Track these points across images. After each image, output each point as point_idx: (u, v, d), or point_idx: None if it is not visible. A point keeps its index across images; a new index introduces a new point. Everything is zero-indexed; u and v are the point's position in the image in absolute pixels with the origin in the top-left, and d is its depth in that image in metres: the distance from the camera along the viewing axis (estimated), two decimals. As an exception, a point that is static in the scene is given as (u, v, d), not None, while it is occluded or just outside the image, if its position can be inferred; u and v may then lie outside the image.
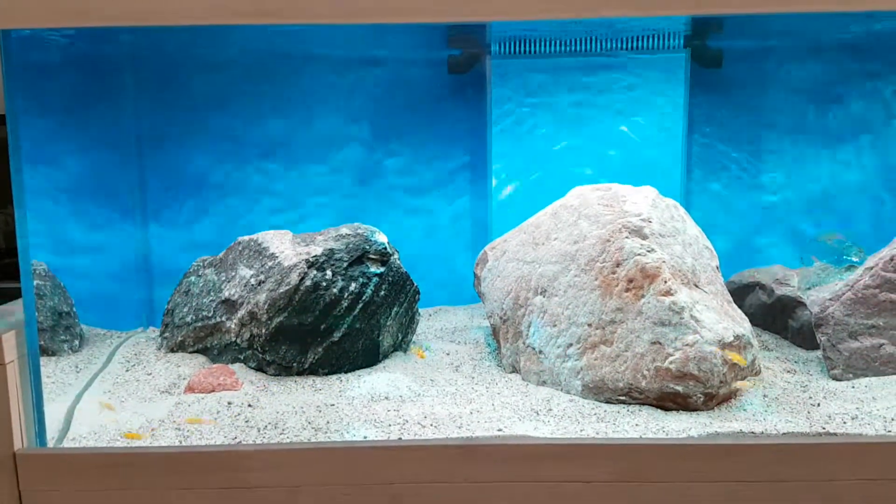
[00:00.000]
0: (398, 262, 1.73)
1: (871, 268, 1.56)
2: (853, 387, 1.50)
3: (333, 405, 1.46)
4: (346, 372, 1.64)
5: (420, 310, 2.07)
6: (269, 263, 1.64)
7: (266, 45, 2.04)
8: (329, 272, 1.62)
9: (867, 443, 1.27)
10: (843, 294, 1.58)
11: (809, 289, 1.68)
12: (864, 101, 2.10)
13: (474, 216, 2.18)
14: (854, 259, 1.70)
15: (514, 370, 1.65)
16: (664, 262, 1.47)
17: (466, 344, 1.85)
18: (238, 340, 1.64)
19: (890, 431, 1.30)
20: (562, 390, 1.52)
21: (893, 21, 1.79)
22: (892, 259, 1.54)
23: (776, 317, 1.86)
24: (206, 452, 1.28)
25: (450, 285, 2.18)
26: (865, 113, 2.10)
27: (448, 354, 1.77)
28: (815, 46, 2.08)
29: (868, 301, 1.55)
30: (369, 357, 1.68)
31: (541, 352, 1.57)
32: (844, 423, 1.34)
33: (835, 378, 1.56)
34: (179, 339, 1.75)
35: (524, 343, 1.62)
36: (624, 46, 1.98)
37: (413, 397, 1.50)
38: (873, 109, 2.10)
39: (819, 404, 1.43)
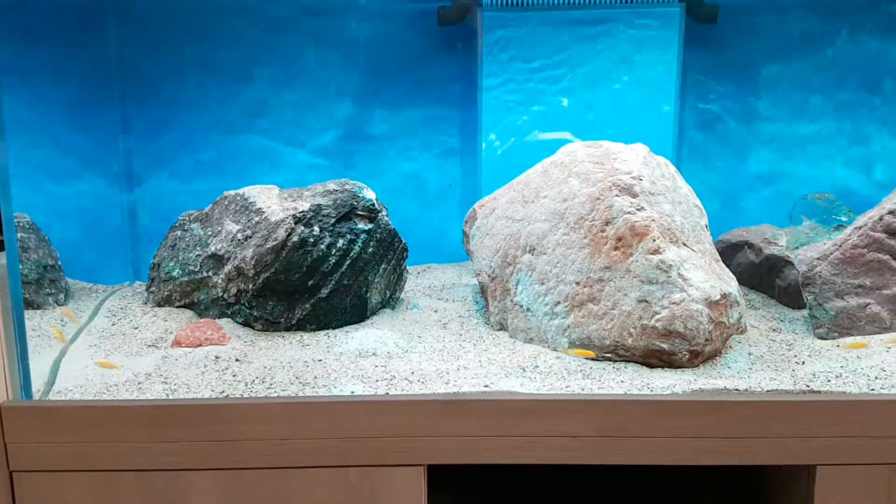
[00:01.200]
0: (386, 218, 1.72)
1: (860, 227, 1.56)
2: (838, 345, 1.51)
3: (321, 360, 1.46)
4: (334, 328, 1.64)
5: (409, 267, 2.06)
6: (256, 219, 1.63)
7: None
8: (316, 228, 1.61)
9: (850, 401, 1.28)
10: (831, 253, 1.58)
11: (797, 248, 1.69)
12: (863, 57, 2.07)
13: (465, 173, 2.16)
14: (843, 219, 1.70)
15: (502, 328, 1.65)
16: (653, 220, 1.46)
17: (455, 301, 1.85)
18: (225, 295, 1.63)
19: (873, 390, 1.31)
20: (549, 347, 1.52)
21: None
22: (880, 219, 1.54)
23: (764, 276, 1.86)
24: (192, 406, 1.29)
25: (439, 243, 2.17)
26: (864, 69, 2.08)
27: (436, 311, 1.76)
28: (811, 4, 2.05)
29: (855, 261, 1.55)
30: (357, 313, 1.68)
31: (528, 309, 1.57)
32: (828, 381, 1.35)
33: (820, 337, 1.56)
34: (166, 293, 1.74)
35: (512, 301, 1.62)
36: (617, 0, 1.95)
37: (401, 353, 1.50)
38: (872, 65, 2.08)
39: (804, 362, 1.44)
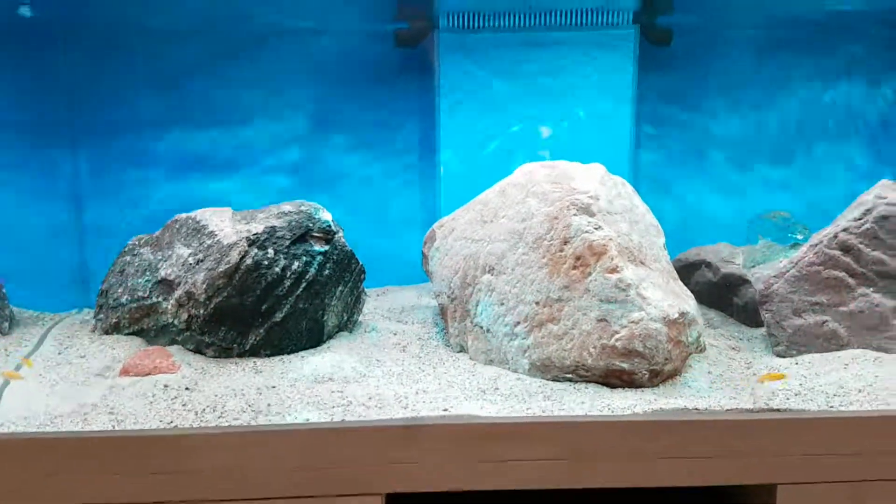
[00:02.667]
0: (343, 239, 1.69)
1: (816, 245, 1.58)
2: (797, 363, 1.51)
3: (275, 387, 1.42)
4: (288, 353, 1.60)
5: (368, 290, 2.04)
6: (208, 242, 1.59)
7: (208, 12, 1.97)
8: (271, 250, 1.57)
9: (810, 418, 1.28)
10: (788, 271, 1.59)
11: (754, 266, 1.70)
12: (814, 79, 2.12)
13: (423, 193, 2.15)
14: (798, 237, 1.71)
15: (462, 350, 1.63)
16: (611, 239, 1.46)
17: (414, 324, 1.82)
18: (175, 322, 1.59)
19: (832, 407, 1.32)
20: (509, 369, 1.50)
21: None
22: (835, 236, 1.55)
23: (722, 294, 1.87)
24: (139, 437, 1.24)
25: (399, 264, 2.15)
26: (815, 91, 2.12)
27: (395, 334, 1.74)
28: (765, 24, 2.09)
29: (812, 278, 1.56)
30: (313, 338, 1.64)
31: (488, 330, 1.56)
32: (788, 399, 1.35)
33: (779, 355, 1.57)
34: (114, 320, 1.68)
35: (472, 322, 1.60)
36: (572, 22, 1.96)
37: (358, 378, 1.47)
38: (823, 87, 2.12)
39: (763, 381, 1.44)
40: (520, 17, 1.95)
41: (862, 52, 2.10)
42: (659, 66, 2.09)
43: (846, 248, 1.54)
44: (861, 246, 1.53)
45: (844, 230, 1.55)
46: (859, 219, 1.55)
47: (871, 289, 1.53)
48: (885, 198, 1.54)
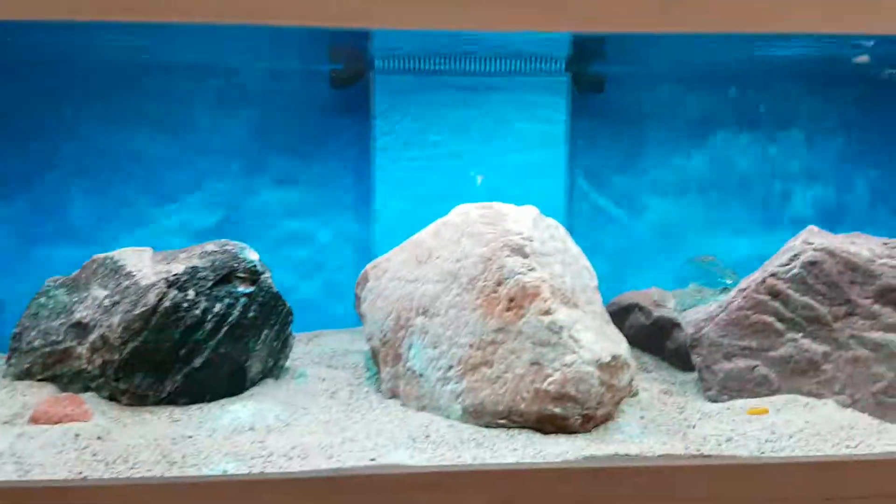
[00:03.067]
0: (269, 280, 1.64)
1: (744, 289, 1.59)
2: (728, 408, 1.51)
3: (191, 437, 1.35)
4: (208, 401, 1.53)
5: (298, 334, 1.98)
6: (126, 283, 1.52)
7: (138, 50, 1.93)
8: (191, 292, 1.51)
9: (741, 464, 1.27)
10: (717, 315, 1.60)
11: (685, 310, 1.70)
12: (743, 128, 2.17)
13: (358, 235, 2.12)
14: (728, 281, 1.74)
15: (394, 395, 1.59)
16: (544, 281, 1.45)
17: (345, 369, 1.78)
18: (89, 367, 1.51)
19: (763, 453, 1.31)
20: (442, 415, 1.46)
21: (771, 47, 1.85)
22: (763, 281, 1.57)
23: (655, 338, 1.87)
24: (45, 488, 1.17)
25: (332, 307, 2.11)
26: (744, 139, 2.18)
27: (324, 380, 1.68)
28: (696, 73, 2.15)
29: (741, 322, 1.57)
30: (235, 384, 1.58)
31: (421, 375, 1.52)
32: (719, 444, 1.34)
33: (710, 399, 1.57)
34: (26, 365, 1.59)
35: (404, 366, 1.56)
36: (507, 68, 1.98)
37: (281, 427, 1.41)
38: (752, 136, 2.18)
39: (695, 426, 1.43)
40: (455, 62, 1.97)
41: (790, 98, 2.17)
42: (592, 113, 2.13)
43: (774, 293, 1.56)
44: (789, 291, 1.55)
45: (772, 275, 1.57)
46: (787, 264, 1.57)
47: (800, 334, 1.54)
48: (812, 243, 1.57)
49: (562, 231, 1.67)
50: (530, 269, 1.46)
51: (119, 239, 1.99)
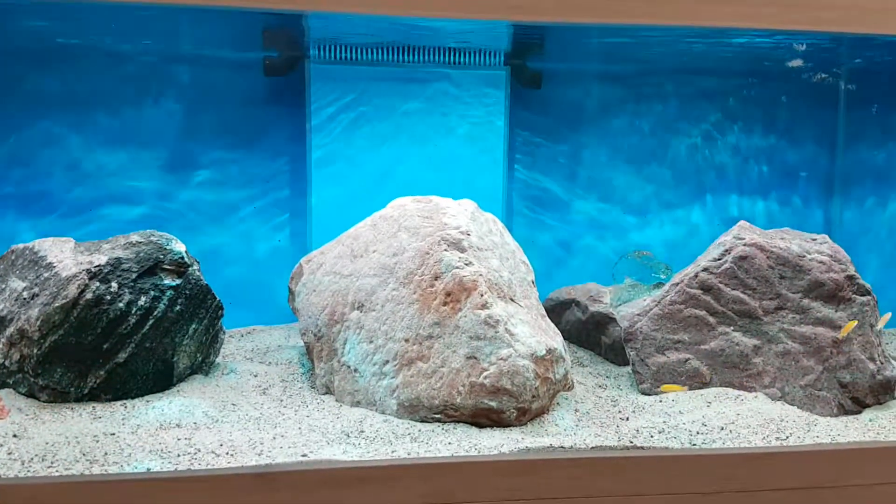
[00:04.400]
0: (198, 273, 1.59)
1: (677, 284, 1.61)
2: (661, 401, 1.53)
3: (114, 434, 1.30)
4: (133, 397, 1.48)
5: (232, 330, 1.93)
6: (46, 274, 1.45)
7: (61, 32, 1.85)
8: (115, 284, 1.45)
9: (672, 455, 1.28)
10: (651, 310, 1.61)
11: (620, 305, 1.71)
12: (680, 119, 2.21)
13: (293, 228, 2.07)
14: (661, 276, 1.75)
15: (328, 391, 1.56)
16: (481, 275, 1.44)
17: (279, 365, 1.73)
18: (6, 362, 1.44)
19: (694, 444, 1.32)
20: (377, 411, 1.44)
21: (715, 42, 1.88)
22: (696, 276, 1.59)
23: (591, 333, 1.88)
24: (-47, 490, 1.11)
25: (266, 303, 2.06)
26: (682, 131, 2.21)
27: (256, 376, 1.64)
28: (634, 70, 2.17)
29: (674, 316, 1.59)
30: (162, 380, 1.52)
31: (356, 370, 1.49)
32: (651, 436, 1.35)
33: (644, 392, 1.58)
34: (-63, 361, 1.51)
35: (339, 361, 1.54)
36: (446, 59, 1.97)
37: (210, 424, 1.37)
38: (689, 130, 2.22)
39: (628, 418, 1.44)
40: (393, 52, 1.95)
41: (721, 92, 2.22)
42: (530, 106, 2.13)
43: (706, 288, 1.58)
44: (721, 285, 1.57)
45: (705, 270, 1.59)
46: (719, 259, 1.59)
47: (731, 327, 1.57)
48: (743, 238, 1.60)
49: (499, 225, 1.66)
50: (467, 264, 1.45)
51: (36, 229, 1.92)
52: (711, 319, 1.58)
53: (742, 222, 1.67)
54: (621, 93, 2.18)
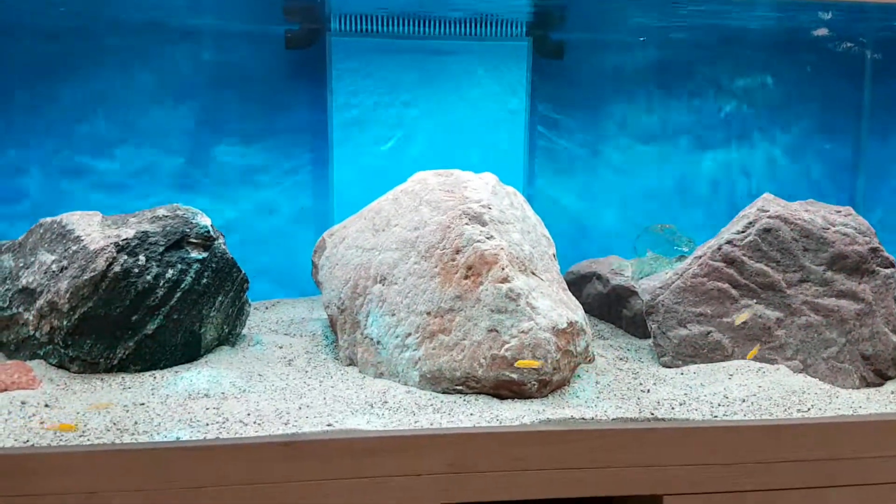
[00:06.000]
0: (223, 246, 1.61)
1: (700, 257, 1.60)
2: (682, 373, 1.53)
3: (143, 404, 1.33)
4: (161, 368, 1.50)
5: (256, 302, 1.96)
6: (74, 248, 1.48)
7: (86, 10, 1.86)
8: (142, 257, 1.47)
9: (694, 427, 1.29)
10: (673, 283, 1.61)
11: (642, 278, 1.71)
12: (703, 96, 2.18)
13: (316, 202, 2.08)
14: (684, 249, 1.75)
15: (352, 363, 1.58)
16: (503, 248, 1.44)
17: (303, 336, 1.76)
18: (37, 334, 1.47)
19: (716, 416, 1.33)
20: (400, 382, 1.46)
21: (742, 15, 1.85)
22: (719, 248, 1.59)
23: (612, 306, 1.89)
24: (-9, 457, 1.14)
25: (290, 276, 2.08)
26: (704, 107, 2.19)
27: (281, 348, 1.66)
28: (655, 40, 2.14)
29: (696, 289, 1.59)
30: (190, 351, 1.55)
31: (379, 342, 1.51)
32: (672, 408, 1.35)
33: (665, 365, 1.58)
34: (-30, 333, 1.55)
35: (362, 334, 1.55)
36: (467, 31, 1.96)
37: (237, 394, 1.39)
38: (711, 103, 2.19)
39: (649, 391, 1.44)
40: (414, 24, 1.93)
41: (748, 62, 2.19)
42: (552, 78, 2.11)
43: (730, 260, 1.57)
44: (744, 258, 1.57)
45: (728, 242, 1.58)
46: (742, 231, 1.58)
47: (755, 300, 1.56)
48: (767, 211, 1.58)
49: (520, 199, 1.66)
50: (489, 237, 1.46)
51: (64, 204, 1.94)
52: (734, 292, 1.57)
53: (766, 194, 1.65)
54: (646, 63, 2.16)
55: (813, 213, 1.60)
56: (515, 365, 1.36)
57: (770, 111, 2.22)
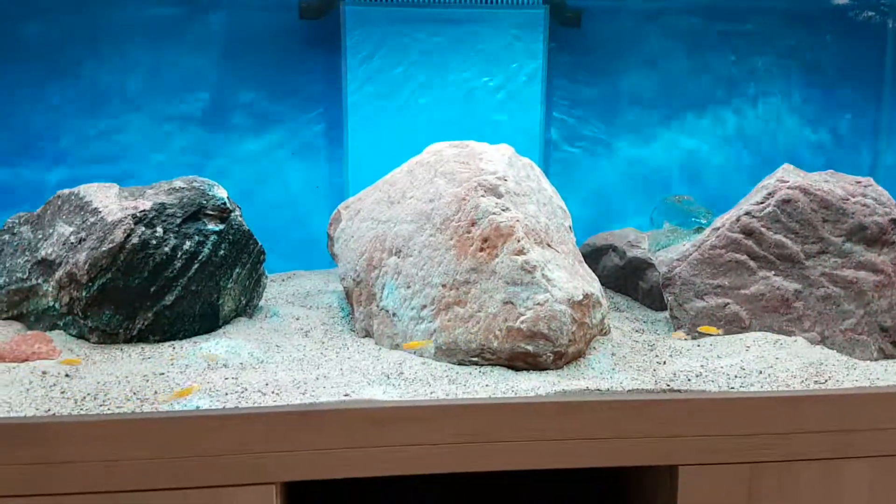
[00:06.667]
0: (240, 218, 1.61)
1: (718, 228, 1.59)
2: (699, 345, 1.52)
3: (163, 374, 1.34)
4: (180, 339, 1.52)
5: (273, 275, 1.96)
6: (92, 219, 1.49)
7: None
8: (160, 229, 1.48)
9: (709, 398, 1.28)
10: (690, 254, 1.60)
11: (659, 250, 1.70)
12: (724, 66, 2.15)
13: (331, 174, 2.08)
14: (702, 220, 1.73)
15: (368, 334, 1.58)
16: (518, 221, 1.44)
17: (319, 308, 1.76)
18: (56, 305, 1.48)
19: (732, 388, 1.32)
20: (415, 353, 1.46)
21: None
22: (737, 220, 1.57)
23: (628, 278, 1.88)
24: (12, 425, 1.15)
25: (306, 248, 2.09)
26: (725, 78, 2.15)
27: (298, 319, 1.67)
28: (676, 9, 2.11)
29: (714, 261, 1.58)
30: (208, 322, 1.56)
31: (395, 314, 1.51)
32: (689, 380, 1.35)
33: (680, 337, 1.58)
34: (-9, 304, 1.56)
35: (378, 306, 1.55)
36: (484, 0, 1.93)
37: (255, 364, 1.41)
38: (732, 74, 2.16)
39: (665, 362, 1.44)
40: (429, -8, 1.92)
41: (770, 31, 2.15)
42: (569, 46, 2.08)
43: (748, 232, 1.56)
44: (763, 229, 1.55)
45: (747, 213, 1.57)
46: (761, 202, 1.57)
47: (773, 272, 1.55)
48: (786, 181, 1.57)
49: (536, 170, 1.65)
50: (504, 209, 1.45)
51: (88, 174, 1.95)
52: (752, 264, 1.56)
53: (786, 165, 1.63)
54: (665, 31, 2.12)
55: (833, 183, 1.58)
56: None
57: (791, 79, 2.18)
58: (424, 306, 1.47)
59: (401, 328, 1.50)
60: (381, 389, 1.30)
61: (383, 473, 1.22)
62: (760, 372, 1.38)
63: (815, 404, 1.30)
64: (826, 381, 1.36)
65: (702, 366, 1.41)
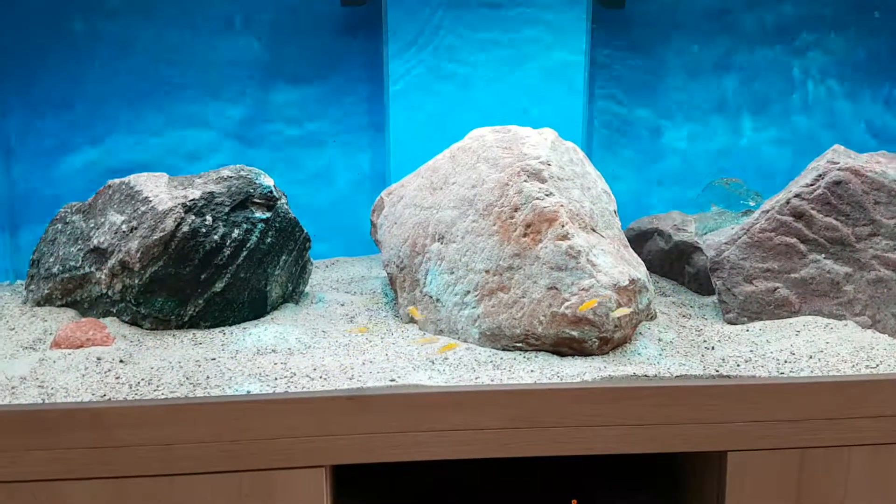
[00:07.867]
0: (286, 206, 1.63)
1: (768, 211, 1.56)
2: (748, 330, 1.51)
3: (214, 359, 1.37)
4: (230, 325, 1.55)
5: (317, 261, 1.99)
6: (143, 208, 1.52)
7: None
8: (209, 217, 1.51)
9: (759, 384, 1.27)
10: (739, 238, 1.57)
11: (706, 234, 1.68)
12: (770, 39, 2.10)
13: (374, 160, 2.09)
14: (751, 203, 1.71)
15: (412, 320, 1.59)
16: (562, 206, 1.43)
17: (363, 294, 1.78)
18: (109, 292, 1.52)
19: (782, 374, 1.31)
20: (459, 339, 1.47)
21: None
22: (787, 202, 1.54)
23: (674, 263, 1.86)
24: (69, 410, 1.19)
25: (350, 235, 2.10)
26: (773, 51, 2.11)
27: (343, 305, 1.69)
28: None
29: (763, 244, 1.55)
30: (256, 308, 1.59)
31: (438, 300, 1.52)
32: (738, 365, 1.34)
33: (730, 322, 1.56)
34: (46, 291, 1.61)
35: (421, 292, 1.56)
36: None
37: (302, 349, 1.43)
38: (779, 59, 2.11)
39: (713, 347, 1.43)
40: (471, -23, 1.90)
41: (817, 11, 2.10)
42: (613, 28, 2.06)
43: (798, 215, 1.53)
44: (813, 212, 1.53)
45: (797, 196, 1.54)
46: (811, 184, 1.54)
47: (823, 255, 1.52)
48: (837, 163, 1.53)
49: (580, 154, 1.64)
50: (548, 195, 1.44)
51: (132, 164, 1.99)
52: (802, 247, 1.54)
53: (836, 146, 1.60)
54: (712, 11, 2.08)
55: (885, 164, 1.54)
56: (578, 311, 1.35)
57: (837, 59, 2.13)
58: (468, 292, 1.47)
59: (444, 314, 1.50)
60: (427, 374, 1.31)
61: (431, 458, 1.24)
62: (811, 357, 1.36)
63: (865, 389, 1.28)
64: (878, 365, 1.34)
65: (751, 351, 1.40)
